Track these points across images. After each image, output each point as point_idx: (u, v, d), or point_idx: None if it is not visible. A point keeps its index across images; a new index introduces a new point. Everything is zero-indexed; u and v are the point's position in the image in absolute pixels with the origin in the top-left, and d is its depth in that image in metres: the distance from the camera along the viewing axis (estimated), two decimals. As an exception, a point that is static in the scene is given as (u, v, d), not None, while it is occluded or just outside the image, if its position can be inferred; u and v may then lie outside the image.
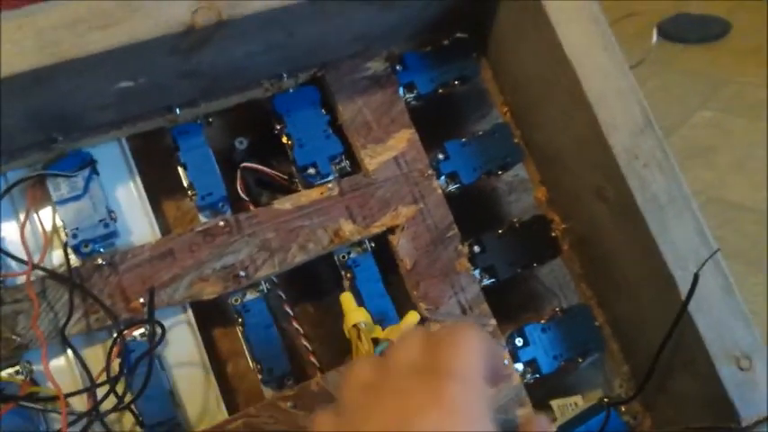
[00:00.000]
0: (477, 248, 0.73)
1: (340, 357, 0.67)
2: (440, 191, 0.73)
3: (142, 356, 0.59)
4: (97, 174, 0.66)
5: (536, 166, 0.79)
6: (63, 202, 0.64)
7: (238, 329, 0.68)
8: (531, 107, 0.75)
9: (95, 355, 0.62)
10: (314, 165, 0.71)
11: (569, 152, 0.72)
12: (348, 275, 0.70)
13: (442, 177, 0.74)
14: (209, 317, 0.69)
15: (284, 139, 0.72)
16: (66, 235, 0.63)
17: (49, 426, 0.60)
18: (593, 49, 0.67)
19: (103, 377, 0.59)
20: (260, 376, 0.67)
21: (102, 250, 0.65)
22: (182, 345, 0.66)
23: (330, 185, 0.71)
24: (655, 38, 2.08)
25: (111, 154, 0.68)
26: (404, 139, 0.74)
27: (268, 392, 0.67)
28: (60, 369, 0.62)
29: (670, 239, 0.65)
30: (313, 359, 0.71)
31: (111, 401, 0.59)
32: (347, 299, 0.64)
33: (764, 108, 1.78)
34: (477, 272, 0.73)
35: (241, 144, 0.73)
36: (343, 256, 0.71)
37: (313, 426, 0.44)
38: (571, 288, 0.79)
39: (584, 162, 0.70)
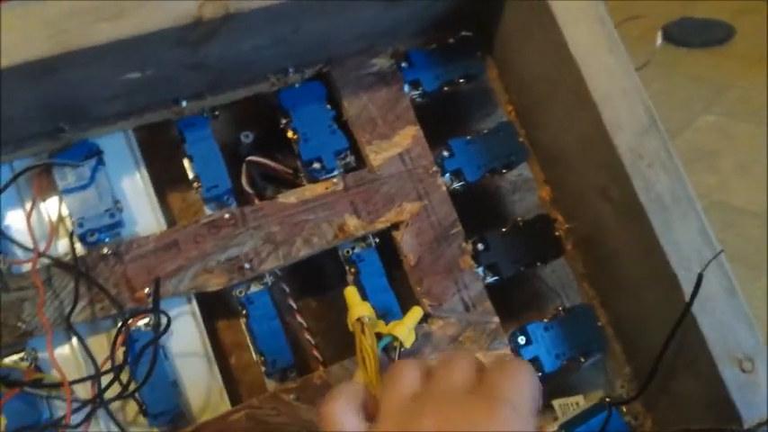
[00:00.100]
0: (480, 246, 0.73)
1: (343, 351, 0.67)
2: (444, 188, 0.74)
3: (148, 344, 0.60)
4: (103, 164, 0.66)
5: (540, 165, 0.79)
6: (69, 191, 0.64)
7: (242, 321, 0.68)
8: (536, 106, 0.76)
9: (99, 344, 0.63)
10: (319, 159, 0.71)
11: (574, 152, 0.72)
12: (352, 270, 0.70)
13: (447, 174, 0.75)
14: (214, 309, 0.69)
15: (290, 134, 0.72)
16: (72, 224, 0.64)
17: (53, 413, 0.60)
18: (598, 49, 0.68)
19: (107, 366, 0.59)
20: (263, 368, 0.67)
21: (107, 240, 0.65)
22: (186, 335, 0.66)
23: (335, 180, 0.71)
24: (660, 41, 2.08)
25: (117, 145, 0.68)
26: (409, 136, 0.74)
27: (271, 385, 0.67)
28: (64, 357, 0.62)
29: (674, 240, 0.65)
30: (316, 353, 0.71)
31: (114, 390, 0.59)
32: (351, 293, 0.64)
33: (767, 113, 1.78)
34: (480, 269, 0.73)
35: (247, 138, 0.73)
36: (348, 251, 0.71)
37: (333, 420, 0.45)
38: (574, 288, 0.79)
39: (589, 162, 0.70)
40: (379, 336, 0.63)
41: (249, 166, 0.73)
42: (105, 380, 0.59)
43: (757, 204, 1.48)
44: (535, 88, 0.74)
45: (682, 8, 2.37)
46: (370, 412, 0.47)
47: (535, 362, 0.71)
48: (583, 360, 0.73)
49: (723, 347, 0.63)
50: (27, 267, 0.62)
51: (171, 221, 0.70)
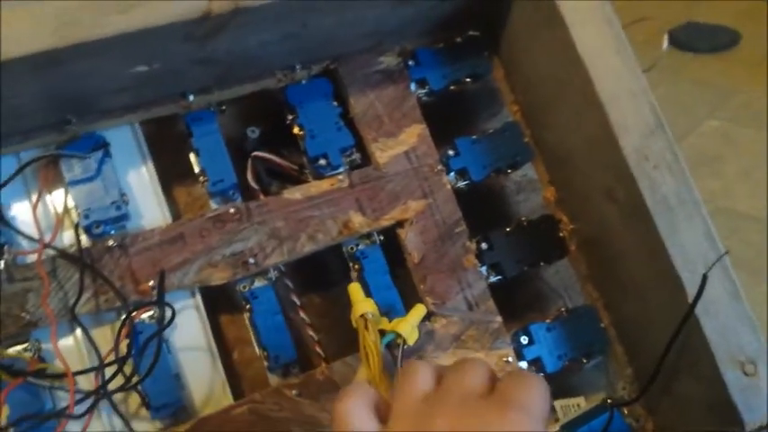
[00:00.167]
0: (484, 245, 0.73)
1: (345, 348, 0.67)
2: (449, 186, 0.74)
3: (152, 337, 0.60)
4: (110, 156, 0.66)
5: (545, 166, 0.79)
6: (75, 183, 0.64)
7: (246, 316, 0.68)
8: (542, 107, 0.76)
9: (103, 336, 0.63)
10: (325, 156, 0.72)
11: (580, 152, 0.72)
12: (356, 267, 0.71)
13: (452, 173, 0.75)
14: (217, 303, 0.69)
15: (296, 130, 0.72)
16: (78, 216, 0.64)
17: (56, 403, 0.61)
18: (606, 50, 0.68)
19: (111, 357, 0.59)
20: (266, 363, 0.67)
21: (113, 232, 0.65)
22: (189, 329, 0.66)
23: (340, 177, 0.71)
24: (666, 44, 2.08)
25: (124, 138, 0.68)
26: (415, 134, 0.74)
27: (273, 380, 0.67)
28: (68, 348, 0.62)
29: (679, 242, 0.65)
30: (318, 349, 0.71)
31: (117, 382, 0.59)
32: (355, 289, 0.64)
33: (770, 119, 1.79)
34: (483, 268, 0.73)
35: (253, 133, 0.73)
36: (352, 248, 0.71)
37: (346, 419, 0.45)
38: (576, 290, 0.79)
39: (595, 162, 0.70)
40: (382, 333, 0.63)
41: (255, 162, 0.73)
42: (108, 372, 0.59)
43: (759, 209, 1.48)
44: (542, 88, 0.74)
45: (687, 12, 2.37)
46: (383, 413, 0.47)
47: (537, 362, 0.71)
48: (585, 361, 0.73)
49: (726, 350, 0.63)
50: (32, 258, 0.62)
51: (176, 215, 0.70)
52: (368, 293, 0.68)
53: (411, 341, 0.63)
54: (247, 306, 0.67)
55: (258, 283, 0.68)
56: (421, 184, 0.73)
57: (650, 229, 0.65)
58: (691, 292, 0.63)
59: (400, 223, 0.72)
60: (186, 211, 0.72)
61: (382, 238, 0.72)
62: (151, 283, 0.63)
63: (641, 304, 0.70)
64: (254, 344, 0.68)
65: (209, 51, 0.63)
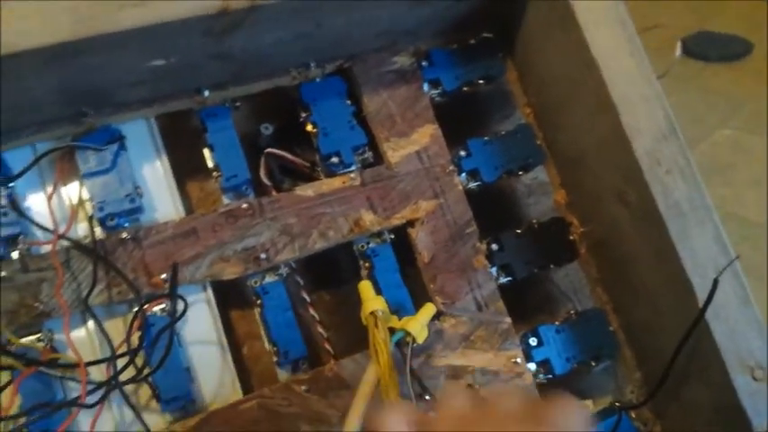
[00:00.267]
0: (495, 246, 0.73)
1: (354, 346, 0.67)
2: (460, 187, 0.74)
3: (164, 329, 0.60)
4: (125, 149, 0.67)
5: (557, 168, 0.79)
6: (91, 175, 0.65)
7: (256, 311, 0.68)
8: (555, 108, 0.76)
9: (115, 328, 0.63)
10: (337, 154, 0.72)
11: (592, 155, 0.72)
12: (366, 265, 0.71)
13: (463, 174, 0.75)
14: (228, 298, 0.70)
15: (309, 127, 0.73)
16: (93, 207, 0.64)
17: (67, 393, 0.61)
18: (619, 52, 0.68)
19: (123, 349, 0.60)
20: (275, 358, 0.67)
21: (126, 225, 0.65)
22: (200, 323, 0.66)
23: (352, 175, 0.71)
24: (678, 52, 2.08)
25: (139, 131, 0.69)
26: (427, 134, 0.75)
27: (282, 375, 0.68)
28: (80, 339, 0.62)
29: (690, 246, 0.65)
30: (328, 346, 0.71)
31: (128, 374, 0.59)
32: (366, 287, 0.64)
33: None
34: (494, 269, 0.73)
35: (267, 130, 0.74)
36: (363, 246, 0.71)
37: None
38: (586, 293, 0.80)
39: (607, 165, 0.70)
40: (391, 331, 0.63)
41: (268, 158, 0.73)
42: (120, 363, 0.59)
43: (769, 217, 1.49)
44: (555, 90, 0.75)
45: (700, 21, 2.36)
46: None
47: (546, 364, 0.71)
48: (593, 364, 0.73)
49: (736, 355, 0.63)
50: (47, 249, 0.62)
51: (189, 210, 0.71)
52: (378, 291, 0.68)
53: (420, 339, 0.64)
54: (258, 301, 0.68)
55: (269, 279, 0.68)
56: (432, 184, 0.73)
57: (662, 233, 0.65)
58: (701, 296, 0.63)
59: (411, 222, 0.72)
60: (199, 206, 0.73)
61: (393, 236, 0.72)
62: (163, 276, 0.63)
63: (651, 308, 0.70)
64: (264, 339, 0.68)
65: (226, 47, 0.64)
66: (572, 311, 0.76)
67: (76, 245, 0.62)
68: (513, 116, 0.82)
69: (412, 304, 0.70)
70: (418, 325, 0.64)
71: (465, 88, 0.77)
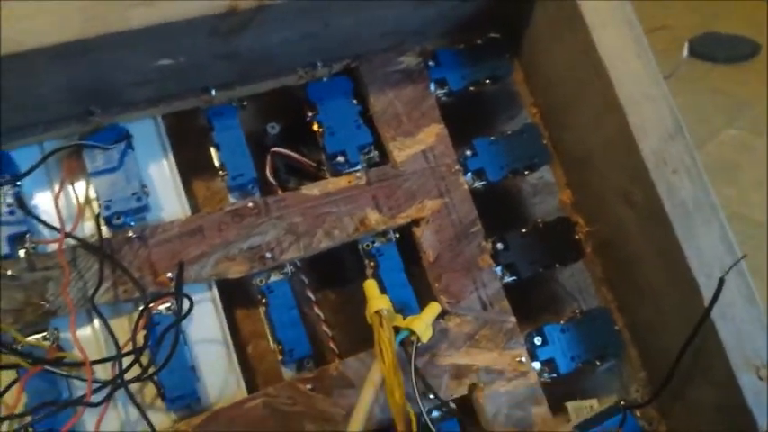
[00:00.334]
0: (500, 246, 0.73)
1: (359, 345, 0.68)
2: (466, 187, 0.74)
3: (170, 327, 0.60)
4: (132, 148, 0.67)
5: (563, 168, 0.79)
6: (98, 173, 0.65)
7: (261, 310, 0.68)
8: (561, 108, 0.76)
9: (120, 326, 0.63)
10: (343, 153, 0.72)
11: (598, 154, 0.72)
12: (371, 264, 0.71)
13: (469, 174, 0.75)
14: (233, 297, 0.70)
15: (315, 127, 0.73)
16: (99, 206, 0.65)
17: (72, 392, 0.61)
18: (626, 53, 0.68)
19: (128, 348, 0.60)
20: (280, 357, 0.67)
21: (133, 223, 0.66)
22: (205, 322, 0.66)
23: (358, 174, 0.72)
24: (685, 53, 2.08)
25: (146, 130, 0.69)
26: (433, 134, 0.75)
27: (287, 373, 0.68)
28: (86, 337, 0.63)
29: (696, 246, 0.65)
30: (332, 345, 0.71)
31: (133, 372, 0.60)
32: (371, 286, 0.64)
33: (789, 129, 1.78)
34: (498, 269, 0.73)
35: (273, 129, 0.74)
36: (368, 245, 0.71)
37: None
38: (591, 293, 0.80)
39: (613, 165, 0.70)
40: (396, 330, 0.63)
41: (274, 157, 0.73)
42: (126, 362, 0.59)
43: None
44: (561, 90, 0.75)
45: (707, 22, 2.35)
46: None
47: (550, 363, 0.72)
48: (598, 363, 0.73)
49: (741, 354, 0.63)
50: (53, 247, 0.63)
51: (195, 209, 0.71)
52: (383, 290, 0.68)
53: (425, 339, 0.64)
54: (263, 300, 0.68)
55: (274, 278, 0.68)
56: (438, 183, 0.73)
57: (667, 232, 0.65)
58: (707, 295, 0.63)
59: (416, 222, 0.72)
60: (205, 205, 0.73)
61: (398, 235, 0.72)
62: (169, 274, 0.64)
63: (656, 307, 0.70)
64: (269, 338, 0.68)
65: (233, 47, 0.64)
66: (577, 311, 0.76)
67: (83, 243, 0.63)
68: (520, 116, 0.82)
69: (417, 303, 0.70)
70: (423, 324, 0.64)
71: (471, 88, 0.78)
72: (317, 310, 0.72)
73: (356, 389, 0.64)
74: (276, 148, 0.73)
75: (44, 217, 0.64)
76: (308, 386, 0.65)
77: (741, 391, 0.63)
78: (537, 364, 0.71)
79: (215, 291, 0.67)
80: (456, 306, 0.70)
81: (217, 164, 0.70)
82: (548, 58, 0.75)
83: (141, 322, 0.61)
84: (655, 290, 0.70)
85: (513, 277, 0.73)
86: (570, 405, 0.73)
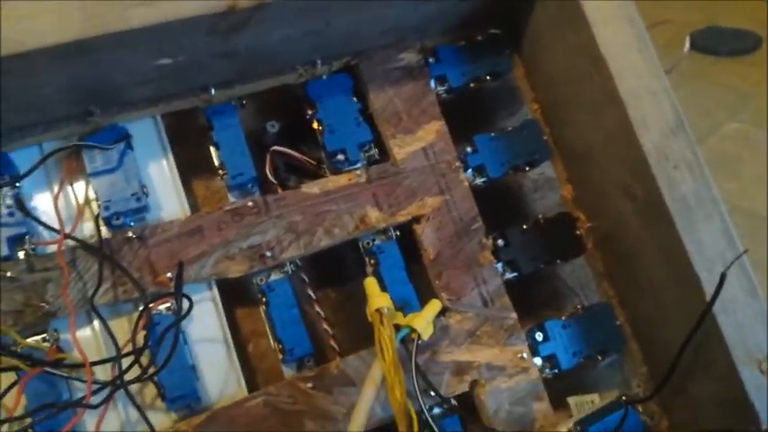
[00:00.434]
0: (500, 242, 0.73)
1: (359, 343, 0.67)
2: (466, 183, 0.74)
3: (170, 327, 0.60)
4: (131, 149, 0.67)
5: (564, 164, 0.79)
6: (97, 174, 0.65)
7: (261, 309, 0.68)
8: (562, 104, 0.76)
9: (120, 327, 0.63)
10: (343, 151, 0.72)
11: (599, 150, 0.72)
12: (372, 262, 0.71)
13: (469, 170, 0.75)
14: (233, 296, 0.70)
15: (315, 125, 0.73)
16: (99, 207, 0.65)
17: (72, 394, 0.61)
18: (628, 48, 0.68)
19: (128, 348, 0.60)
20: (280, 356, 0.67)
21: (132, 224, 0.66)
22: (205, 321, 0.66)
23: (358, 172, 0.71)
24: (687, 47, 2.07)
25: (145, 130, 0.69)
26: (433, 131, 0.75)
27: (288, 372, 0.68)
28: (85, 339, 0.63)
29: (697, 240, 0.64)
30: (333, 343, 0.71)
31: (133, 373, 0.60)
32: (371, 284, 0.64)
33: (791, 122, 1.77)
34: (499, 265, 0.73)
35: (273, 127, 0.74)
36: (368, 243, 0.71)
37: None
38: (592, 288, 0.79)
39: (614, 160, 0.70)
40: (397, 327, 0.63)
41: (274, 156, 0.73)
42: (126, 362, 0.59)
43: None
44: (562, 86, 0.74)
45: (708, 16, 2.35)
46: None
47: (552, 359, 0.71)
48: (600, 358, 0.73)
49: (743, 348, 0.63)
50: (52, 248, 0.63)
51: (194, 208, 0.71)
52: (383, 288, 0.68)
53: (426, 336, 0.64)
54: (263, 299, 0.68)
55: (274, 277, 0.68)
56: (438, 180, 0.73)
57: (669, 227, 0.65)
58: (708, 290, 0.63)
59: (417, 219, 0.72)
60: (204, 204, 0.73)
61: (398, 233, 0.72)
62: (169, 274, 0.64)
63: (657, 302, 0.70)
64: (270, 337, 0.68)
65: (233, 45, 0.64)
66: (578, 306, 0.76)
67: (82, 244, 0.63)
68: (520, 112, 0.82)
69: (417, 301, 0.70)
70: (424, 321, 0.64)
71: (472, 84, 0.77)
72: (317, 308, 0.72)
73: (357, 387, 0.64)
74: (276, 147, 0.73)
75: (43, 218, 0.64)
76: (309, 385, 0.65)
77: (743, 385, 0.63)
78: (538, 360, 0.71)
79: (215, 290, 0.67)
80: (457, 303, 0.70)
81: (216, 163, 0.70)
82: (548, 53, 0.75)
83: (141, 323, 0.61)
84: (656, 285, 0.70)
85: (514, 274, 0.73)
86: (572, 400, 0.73)
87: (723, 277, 0.62)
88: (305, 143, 0.75)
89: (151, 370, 0.60)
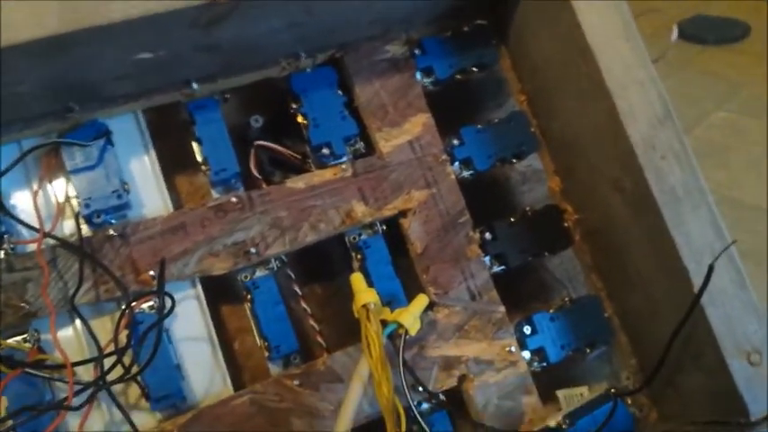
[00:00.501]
0: (488, 235, 0.73)
1: (346, 338, 0.67)
2: (453, 176, 0.73)
3: (152, 326, 0.59)
4: (112, 145, 0.66)
5: (551, 155, 0.78)
6: (77, 171, 0.64)
7: (246, 306, 0.68)
8: (549, 94, 0.75)
9: (103, 326, 0.62)
10: (328, 145, 0.71)
11: (586, 141, 0.71)
12: (358, 257, 0.70)
13: (456, 163, 0.74)
14: (218, 294, 0.69)
15: (299, 119, 0.72)
16: (79, 204, 0.64)
17: (54, 394, 0.60)
18: (615, 37, 0.67)
19: (111, 348, 0.59)
20: (266, 353, 0.66)
21: (113, 221, 0.65)
22: (190, 319, 0.65)
23: (344, 166, 0.71)
24: (675, 36, 2.07)
25: (126, 126, 0.68)
26: (419, 124, 0.74)
27: (274, 370, 0.67)
28: (67, 339, 0.62)
29: (685, 232, 0.64)
30: (320, 339, 0.71)
31: (116, 373, 0.59)
32: (357, 279, 0.64)
33: (780, 110, 1.78)
34: (487, 258, 0.72)
35: (256, 122, 0.73)
36: (354, 238, 0.70)
37: None
38: (580, 280, 0.79)
39: (601, 151, 0.69)
40: (384, 323, 0.62)
41: (258, 151, 0.72)
42: (108, 362, 0.59)
43: (765, 200, 1.47)
44: (549, 75, 0.74)
45: (696, 4, 2.35)
46: None
47: (540, 352, 0.71)
48: (588, 351, 0.73)
49: (732, 340, 0.63)
50: (32, 247, 0.61)
51: (177, 204, 0.70)
52: (370, 283, 0.67)
53: (413, 331, 0.63)
54: (248, 296, 0.67)
55: (259, 273, 0.67)
56: (425, 173, 0.72)
57: (656, 219, 0.65)
58: (696, 282, 0.63)
59: (403, 213, 0.71)
60: (188, 201, 0.72)
61: (385, 227, 0.71)
62: (152, 272, 0.63)
63: (645, 294, 0.70)
64: (255, 334, 0.67)
65: (214, 39, 0.63)
66: (566, 299, 0.75)
67: (63, 243, 0.62)
68: (507, 104, 0.82)
69: (404, 295, 0.69)
70: (411, 317, 0.63)
71: (458, 76, 0.77)
72: (303, 304, 0.71)
73: (344, 384, 0.64)
74: (260, 141, 0.72)
75: (23, 216, 0.62)
76: (296, 382, 0.64)
77: (732, 376, 0.62)
78: (527, 354, 0.71)
79: (199, 288, 0.66)
80: (444, 297, 0.70)
81: (199, 158, 0.69)
82: (535, 44, 0.74)
83: (123, 322, 0.60)
84: (644, 277, 0.69)
85: (502, 267, 0.73)
86: (561, 393, 0.73)
87: (711, 269, 0.62)
88: (289, 137, 0.74)
89: (135, 369, 0.60)
